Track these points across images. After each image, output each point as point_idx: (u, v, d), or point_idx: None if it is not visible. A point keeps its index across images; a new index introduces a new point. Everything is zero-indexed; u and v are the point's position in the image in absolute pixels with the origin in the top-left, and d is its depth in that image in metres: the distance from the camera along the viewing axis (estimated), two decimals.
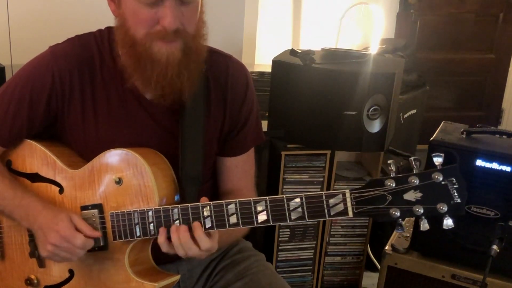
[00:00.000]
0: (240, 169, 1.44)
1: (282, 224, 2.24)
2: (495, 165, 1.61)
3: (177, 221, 1.20)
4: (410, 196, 1.07)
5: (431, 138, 1.71)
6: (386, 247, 1.85)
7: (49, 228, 1.23)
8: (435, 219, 1.08)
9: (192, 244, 1.18)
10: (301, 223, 2.29)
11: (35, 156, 1.33)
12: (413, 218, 1.94)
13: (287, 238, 2.31)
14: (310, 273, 2.39)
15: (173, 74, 1.21)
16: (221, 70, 1.37)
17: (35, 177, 1.33)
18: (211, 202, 1.20)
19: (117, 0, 1.23)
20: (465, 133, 1.71)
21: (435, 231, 1.71)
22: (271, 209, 1.16)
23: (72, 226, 1.22)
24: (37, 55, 1.34)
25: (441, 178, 1.05)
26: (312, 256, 2.36)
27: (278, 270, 2.32)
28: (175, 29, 1.17)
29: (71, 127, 1.33)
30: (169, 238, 1.20)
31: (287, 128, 2.17)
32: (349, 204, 1.11)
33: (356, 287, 2.46)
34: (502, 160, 1.60)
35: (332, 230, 2.35)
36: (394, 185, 1.08)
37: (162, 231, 1.20)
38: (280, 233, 2.29)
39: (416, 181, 1.06)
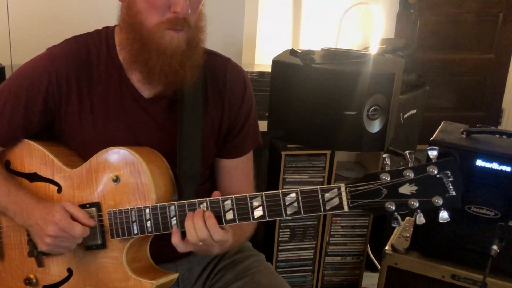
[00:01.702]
0: (240, 171, 1.44)
1: (279, 220, 2.24)
2: (495, 165, 1.61)
3: (174, 218, 1.21)
4: (406, 189, 1.07)
5: (431, 138, 1.72)
6: (386, 247, 1.85)
7: (45, 221, 1.23)
8: (432, 214, 1.08)
9: (204, 228, 1.17)
10: (301, 223, 2.29)
11: (33, 155, 1.33)
12: (413, 218, 1.94)
13: (287, 238, 2.31)
14: (310, 273, 2.39)
15: (177, 64, 1.23)
16: (220, 71, 1.38)
17: (34, 177, 1.33)
18: (207, 199, 1.20)
19: None
20: (465, 133, 1.71)
21: (435, 231, 1.72)
22: (267, 204, 1.16)
23: (68, 216, 1.23)
24: (34, 56, 1.34)
25: (436, 171, 1.05)
26: (312, 256, 2.36)
27: (278, 270, 2.32)
28: (185, 16, 1.19)
29: (69, 127, 1.33)
30: (183, 233, 1.20)
31: (287, 128, 2.17)
32: (344, 198, 1.11)
33: (356, 287, 2.45)
34: (502, 160, 1.60)
35: (332, 230, 2.35)
36: (389, 178, 1.08)
37: (176, 231, 1.20)
38: (280, 233, 2.29)
39: (411, 174, 1.06)
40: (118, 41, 1.32)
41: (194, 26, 1.24)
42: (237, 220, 1.18)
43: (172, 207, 1.21)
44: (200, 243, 1.19)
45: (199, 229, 1.17)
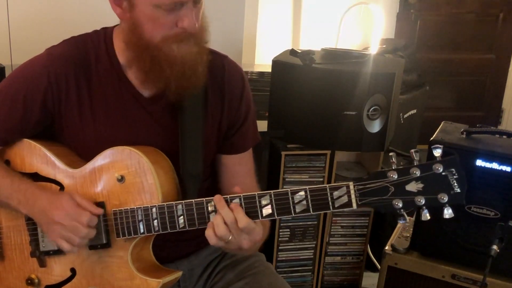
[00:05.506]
0: (243, 167, 1.45)
1: (279, 220, 2.24)
2: (495, 165, 1.61)
3: (181, 217, 1.21)
4: (412, 187, 1.09)
5: (431, 138, 1.72)
6: (386, 247, 1.85)
7: (53, 208, 1.22)
8: (436, 212, 1.09)
9: (230, 212, 1.16)
10: (301, 223, 2.29)
11: (34, 155, 1.33)
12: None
13: (287, 238, 2.31)
14: (310, 273, 2.39)
15: (190, 71, 1.24)
16: (218, 69, 1.38)
17: (35, 177, 1.32)
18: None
19: (126, 5, 1.22)
20: (465, 133, 1.72)
21: (435, 231, 1.73)
22: (275, 202, 1.17)
23: (76, 203, 1.22)
24: (33, 56, 1.34)
25: (441, 169, 1.07)
26: (312, 256, 2.36)
27: (278, 270, 2.32)
28: (194, 31, 1.20)
29: (68, 128, 1.33)
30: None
31: (287, 128, 2.17)
32: (353, 196, 1.12)
33: (356, 287, 2.46)
34: (502, 160, 1.60)
35: (332, 230, 2.35)
36: (396, 176, 1.10)
37: (211, 224, 1.19)
38: (280, 233, 2.30)
39: (417, 172, 1.08)
40: (117, 43, 1.32)
41: (200, 31, 1.25)
42: None
43: (180, 206, 1.21)
44: (230, 237, 1.17)
45: (225, 212, 1.16)
